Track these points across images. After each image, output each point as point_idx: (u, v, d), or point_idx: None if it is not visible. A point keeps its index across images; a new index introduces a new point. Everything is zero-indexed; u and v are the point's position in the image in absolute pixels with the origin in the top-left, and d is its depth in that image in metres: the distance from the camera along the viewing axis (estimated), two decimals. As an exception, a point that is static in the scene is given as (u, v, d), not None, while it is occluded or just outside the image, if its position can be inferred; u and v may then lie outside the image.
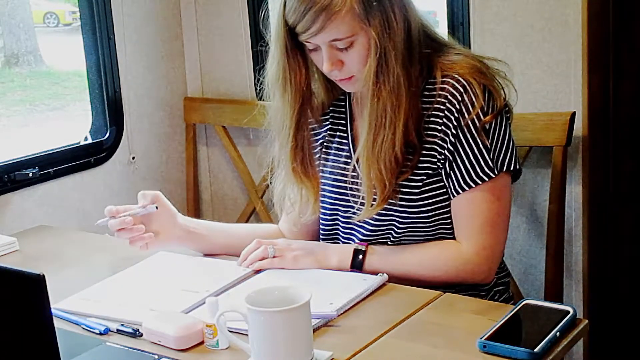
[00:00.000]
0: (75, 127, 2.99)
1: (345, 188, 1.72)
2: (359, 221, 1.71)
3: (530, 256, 2.18)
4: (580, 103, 2.01)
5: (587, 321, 1.36)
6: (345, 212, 1.74)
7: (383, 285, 1.56)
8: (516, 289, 2.13)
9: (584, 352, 2.13)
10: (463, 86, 1.59)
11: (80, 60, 2.52)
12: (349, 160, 1.72)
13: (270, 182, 1.82)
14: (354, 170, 1.69)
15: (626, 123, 2.09)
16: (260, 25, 1.62)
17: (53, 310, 1.16)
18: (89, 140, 2.52)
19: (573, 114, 1.98)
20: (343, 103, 1.78)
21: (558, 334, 1.30)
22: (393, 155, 1.59)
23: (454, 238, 1.66)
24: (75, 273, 1.77)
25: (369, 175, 1.61)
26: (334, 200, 1.75)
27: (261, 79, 1.72)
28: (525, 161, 2.09)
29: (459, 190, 1.62)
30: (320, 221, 1.81)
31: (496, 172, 1.60)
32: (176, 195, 2.77)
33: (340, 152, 1.76)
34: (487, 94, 1.60)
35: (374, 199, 1.63)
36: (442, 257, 1.63)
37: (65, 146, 2.45)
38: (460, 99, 1.59)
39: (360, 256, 1.64)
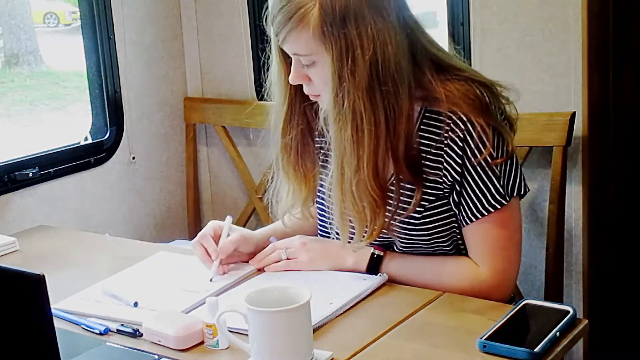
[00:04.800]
0: (75, 127, 2.99)
1: (324, 215, 1.68)
2: None
3: (530, 256, 2.18)
4: (580, 103, 2.01)
5: (587, 321, 1.36)
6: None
7: (383, 285, 1.56)
8: (516, 289, 2.13)
9: (584, 352, 2.13)
10: (473, 127, 1.51)
11: (80, 60, 2.52)
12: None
13: (271, 179, 1.80)
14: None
15: (626, 123, 2.09)
16: (263, 24, 1.59)
17: (53, 310, 1.16)
18: (89, 140, 2.53)
19: (573, 114, 1.98)
20: None
21: (558, 333, 1.30)
22: (369, 193, 1.51)
23: (452, 252, 1.64)
24: (75, 273, 1.77)
25: (341, 210, 1.54)
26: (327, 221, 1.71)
27: (265, 78, 1.71)
28: (525, 161, 2.09)
29: (469, 220, 1.57)
30: (319, 222, 1.80)
31: (507, 200, 1.55)
32: (176, 195, 2.78)
33: None
34: (496, 137, 1.52)
35: (352, 233, 1.57)
36: (460, 275, 1.59)
37: (65, 146, 2.45)
38: (464, 138, 1.51)
39: (378, 261, 1.61)
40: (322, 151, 1.71)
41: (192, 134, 2.76)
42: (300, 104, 1.64)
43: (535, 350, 1.24)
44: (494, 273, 1.58)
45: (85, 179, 2.47)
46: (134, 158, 2.61)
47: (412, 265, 1.61)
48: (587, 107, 2.00)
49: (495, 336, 1.28)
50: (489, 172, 1.54)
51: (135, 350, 1.37)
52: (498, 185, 1.55)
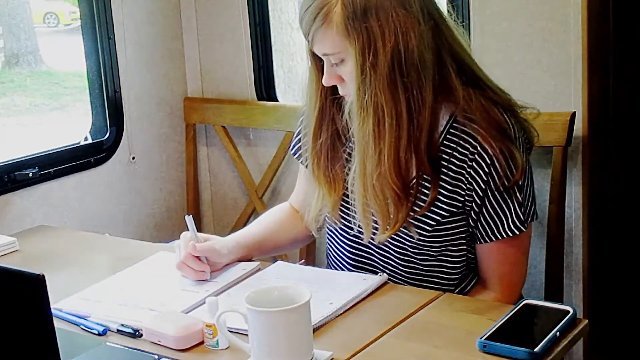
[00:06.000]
0: (75, 127, 2.99)
1: (349, 209, 1.66)
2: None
3: (530, 256, 2.17)
4: (580, 103, 2.01)
5: (587, 321, 1.36)
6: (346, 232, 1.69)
7: (383, 285, 1.57)
8: (516, 289, 2.13)
9: (584, 352, 2.13)
10: (498, 160, 1.52)
11: (80, 60, 2.52)
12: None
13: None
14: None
15: (626, 123, 2.09)
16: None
17: (53, 310, 1.16)
18: (89, 140, 2.52)
19: (573, 114, 1.98)
20: None
21: (558, 333, 1.30)
22: (390, 187, 1.52)
23: (454, 277, 1.65)
24: (75, 273, 1.77)
25: (363, 204, 1.56)
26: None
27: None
28: (525, 161, 2.09)
29: (487, 239, 1.59)
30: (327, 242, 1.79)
31: (525, 227, 1.58)
32: (176, 195, 2.77)
33: None
34: (520, 166, 1.54)
35: (376, 226, 1.58)
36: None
37: (65, 146, 2.45)
38: (490, 166, 1.53)
39: None
40: (345, 154, 1.68)
41: (192, 134, 2.76)
42: (331, 109, 1.64)
43: (535, 350, 1.24)
44: (508, 286, 1.64)
45: (85, 179, 2.47)
46: (133, 158, 2.61)
47: None
48: (587, 107, 2.00)
49: (495, 336, 1.28)
50: (507, 199, 1.56)
51: (135, 350, 1.37)
52: (519, 212, 1.57)
